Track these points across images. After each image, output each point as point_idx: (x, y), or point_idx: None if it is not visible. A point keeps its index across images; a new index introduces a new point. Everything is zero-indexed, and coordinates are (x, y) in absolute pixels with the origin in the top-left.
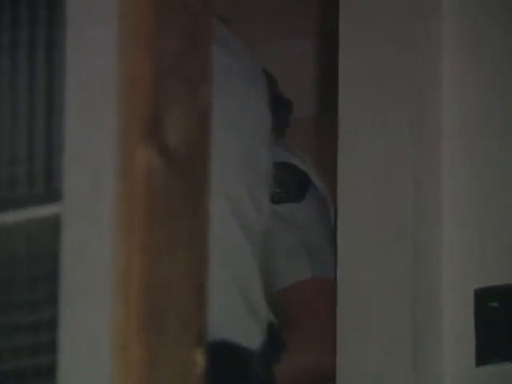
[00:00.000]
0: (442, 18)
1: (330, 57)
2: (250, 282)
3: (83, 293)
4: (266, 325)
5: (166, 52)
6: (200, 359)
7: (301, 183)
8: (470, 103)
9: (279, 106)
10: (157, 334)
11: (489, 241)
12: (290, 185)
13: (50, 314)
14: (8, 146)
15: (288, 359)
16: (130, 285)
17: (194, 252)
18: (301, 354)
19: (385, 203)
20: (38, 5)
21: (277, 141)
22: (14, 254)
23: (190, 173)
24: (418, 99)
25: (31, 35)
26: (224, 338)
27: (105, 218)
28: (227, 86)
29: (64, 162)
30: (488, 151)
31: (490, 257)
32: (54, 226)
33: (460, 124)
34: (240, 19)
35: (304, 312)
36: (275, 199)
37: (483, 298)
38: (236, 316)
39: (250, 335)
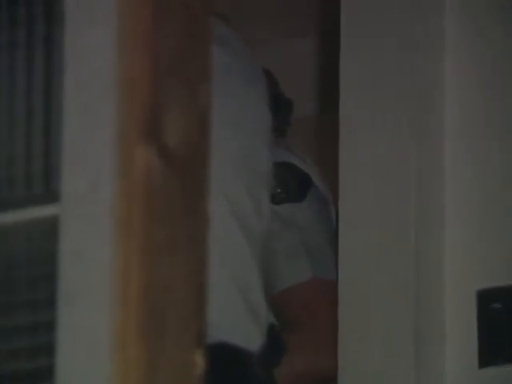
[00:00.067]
0: (444, 18)
1: (331, 56)
2: (249, 283)
3: (82, 294)
4: (266, 326)
5: (165, 52)
6: (200, 361)
7: (301, 183)
8: (472, 103)
9: (279, 106)
10: (156, 335)
11: (491, 241)
12: (290, 185)
13: (48, 315)
14: (6, 147)
15: (288, 361)
16: (129, 286)
17: (194, 252)
18: (301, 355)
19: (386, 203)
20: (36, 4)
21: (277, 141)
22: (12, 254)
23: (189, 173)
24: (420, 99)
25: (29, 35)
26: (224, 340)
27: (103, 218)
28: (227, 86)
29: (62, 163)
30: (490, 151)
31: (492, 257)
32: (52, 227)
33: (461, 124)
34: (240, 19)
35: (304, 313)
36: (275, 199)
37: (486, 299)
38: (236, 317)
39: (249, 337)
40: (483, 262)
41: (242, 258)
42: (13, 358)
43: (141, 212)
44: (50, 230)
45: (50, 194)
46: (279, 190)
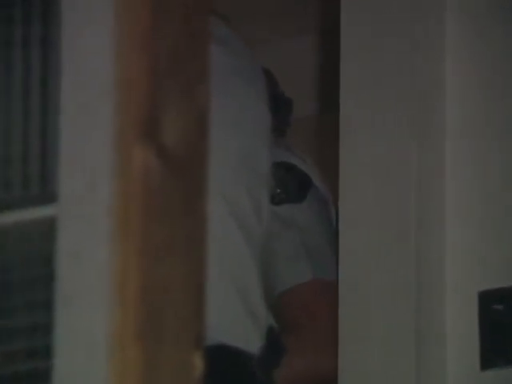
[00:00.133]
0: (444, 18)
1: (331, 55)
2: (249, 284)
3: (79, 295)
4: (265, 328)
5: (163, 52)
6: (198, 363)
7: (301, 184)
8: (472, 103)
9: (279, 106)
10: (154, 336)
11: (492, 242)
12: (290, 185)
13: (46, 316)
14: (3, 148)
15: (288, 363)
16: (127, 287)
17: (192, 253)
18: (300, 357)
19: (386, 203)
20: (33, 4)
21: (277, 141)
22: (9, 255)
23: (187, 174)
24: (420, 99)
25: (26, 35)
26: (223, 341)
27: (101, 219)
28: (226, 86)
29: (60, 163)
30: (490, 151)
31: (493, 258)
32: (50, 228)
33: (462, 124)
34: (240, 19)
35: (303, 315)
36: (275, 200)
37: (487, 300)
38: (235, 319)
39: (249, 338)
40: (484, 262)
41: (241, 259)
42: (10, 360)
43: (139, 212)
44: (47, 230)
45: (48, 195)
46: (279, 191)
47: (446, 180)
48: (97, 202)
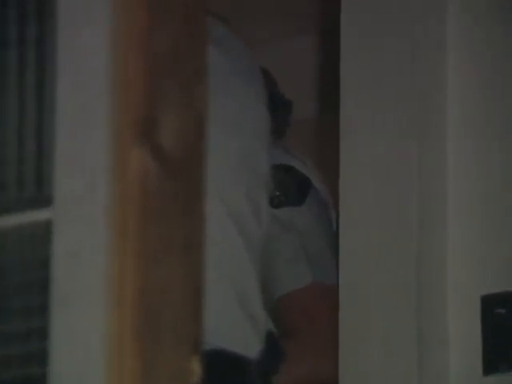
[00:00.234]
0: (445, 18)
1: (331, 55)
2: (247, 288)
3: (76, 298)
4: (264, 333)
5: (161, 53)
6: (196, 367)
7: (301, 186)
8: (473, 103)
9: (277, 106)
10: (151, 341)
11: (494, 242)
12: (289, 188)
13: (42, 320)
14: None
15: (287, 368)
16: (124, 289)
17: (190, 256)
18: (300, 362)
19: (387, 204)
20: (29, 4)
21: (275, 142)
22: (4, 259)
23: (185, 175)
24: (422, 99)
25: (22, 35)
26: (221, 346)
27: (98, 221)
28: (224, 86)
29: (56, 165)
30: (491, 151)
31: (495, 259)
32: (46, 231)
33: (463, 124)
34: (240, 19)
35: (303, 319)
36: (275, 203)
37: (490, 304)
38: (233, 323)
39: (247, 343)
40: (486, 263)
41: (240, 262)
42: (7, 365)
43: (136, 214)
44: (43, 233)
45: (44, 198)
46: (278, 193)
47: (447, 180)
48: (94, 203)
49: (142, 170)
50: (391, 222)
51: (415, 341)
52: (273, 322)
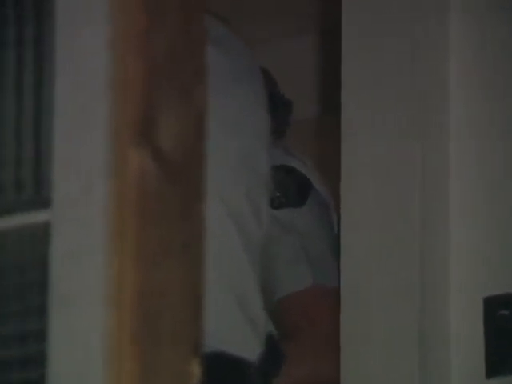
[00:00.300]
0: (447, 18)
1: (331, 55)
2: (247, 290)
3: (74, 301)
4: (264, 335)
5: (159, 53)
6: (196, 370)
7: (301, 187)
8: (476, 103)
9: (278, 107)
10: (151, 343)
11: (497, 243)
12: (290, 189)
13: (40, 322)
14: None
15: (287, 370)
16: (123, 292)
17: (189, 258)
18: (300, 365)
19: (389, 205)
20: (28, 4)
21: (276, 143)
22: (2, 261)
23: (184, 176)
24: (424, 100)
25: (20, 35)
26: (221, 349)
27: (96, 223)
28: (223, 87)
29: (54, 167)
30: (495, 151)
31: (499, 259)
32: (44, 233)
33: (466, 124)
34: (240, 19)
35: (303, 321)
36: (275, 204)
37: (493, 305)
38: (233, 325)
39: (247, 346)
40: (490, 263)
41: (239, 264)
42: (5, 367)
43: (135, 216)
44: (42, 235)
45: (42, 200)
46: (278, 194)
47: (450, 180)
48: (92, 204)
49: (140, 170)
50: (393, 223)
51: (417, 343)
52: (273, 323)
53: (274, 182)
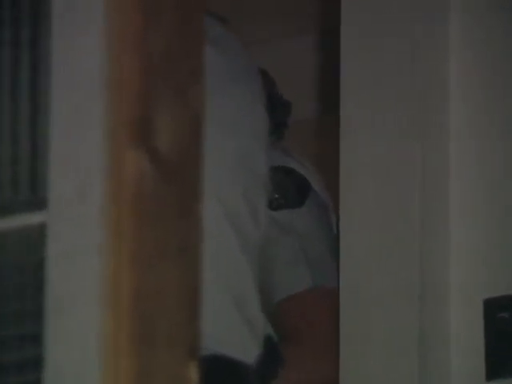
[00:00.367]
0: (447, 18)
1: (331, 55)
2: (245, 292)
3: (71, 302)
4: (262, 338)
5: (156, 53)
6: (193, 374)
7: (300, 188)
8: (476, 103)
9: (275, 107)
10: (147, 345)
11: (498, 243)
12: (288, 190)
13: (36, 324)
14: None
15: (285, 373)
16: (120, 293)
17: (186, 259)
18: (299, 367)
19: (389, 205)
20: (23, 4)
21: (274, 143)
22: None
23: (181, 177)
24: (424, 100)
25: (16, 35)
26: (218, 352)
27: (93, 223)
28: (221, 87)
29: (50, 167)
30: (495, 151)
31: (499, 259)
32: (40, 233)
33: (466, 124)
34: (240, 19)
35: (302, 323)
36: (273, 205)
37: (493, 308)
38: (231, 328)
39: (245, 348)
40: (490, 263)
41: (237, 264)
42: (2, 369)
43: (131, 216)
44: (38, 236)
45: (38, 201)
46: (277, 196)
47: (450, 181)
48: (88, 205)
49: (136, 171)
50: (393, 223)
51: (417, 344)
52: (272, 325)
53: (272, 183)
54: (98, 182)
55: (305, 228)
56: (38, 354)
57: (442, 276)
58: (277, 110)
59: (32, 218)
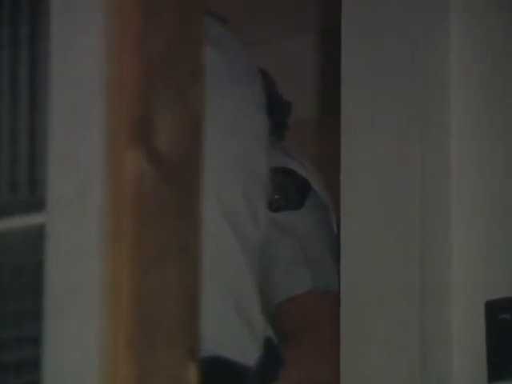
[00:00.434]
0: (447, 18)
1: (331, 55)
2: (244, 293)
3: (70, 303)
4: (262, 339)
5: (156, 53)
6: (192, 375)
7: (300, 189)
8: (477, 103)
9: (276, 107)
10: (147, 346)
11: (498, 243)
12: (288, 191)
13: (35, 325)
14: None
15: (286, 374)
16: (119, 294)
17: (186, 260)
18: (299, 368)
19: (390, 205)
20: (22, 3)
21: (274, 144)
22: None
23: (181, 177)
24: (424, 99)
25: (15, 35)
26: (218, 353)
27: (92, 224)
28: (220, 87)
29: (49, 168)
30: (495, 151)
31: (500, 261)
32: (39, 234)
33: (466, 124)
34: (240, 19)
35: (303, 325)
36: (273, 207)
37: (494, 309)
38: (230, 329)
39: (245, 350)
40: (491, 266)
41: (236, 265)
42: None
43: (131, 217)
44: (37, 237)
45: (37, 201)
46: (277, 197)
47: (450, 181)
48: (88, 206)
49: (136, 171)
50: (393, 223)
51: (418, 345)
52: (272, 327)
53: (272, 184)
54: (97, 182)
55: (305, 229)
56: (38, 354)
57: (442, 276)
58: (277, 110)
59: (31, 219)
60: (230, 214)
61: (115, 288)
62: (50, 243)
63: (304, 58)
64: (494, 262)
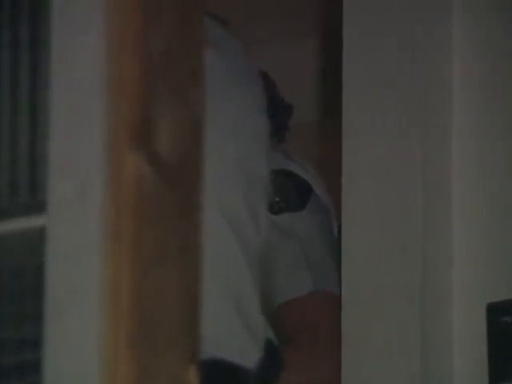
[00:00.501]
0: (446, 18)
1: (332, 57)
2: (245, 295)
3: (70, 304)
4: (263, 341)
5: (156, 54)
6: (193, 378)
7: (301, 192)
8: (478, 103)
9: (277, 110)
10: (147, 347)
11: (499, 243)
12: (289, 194)
13: (35, 327)
14: None
15: (286, 376)
16: (119, 295)
17: (186, 261)
18: (300, 371)
19: (391, 206)
20: (23, 5)
21: (275, 146)
22: None
23: (180, 179)
24: (426, 100)
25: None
26: (218, 356)
27: (92, 225)
28: (221, 89)
29: (49, 170)
30: (496, 151)
31: (502, 262)
32: (40, 237)
33: (467, 124)
34: (240, 20)
35: (303, 327)
36: (274, 209)
37: (496, 312)
38: (231, 331)
39: (245, 352)
40: (492, 267)
41: (237, 267)
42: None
43: (131, 218)
44: (38, 239)
45: (38, 204)
46: (278, 199)
47: (451, 181)
48: (88, 207)
49: (136, 172)
50: (394, 224)
51: (419, 347)
52: (273, 329)
53: (273, 187)
54: (97, 183)
55: (306, 232)
56: (38, 356)
57: (444, 277)
58: (278, 112)
59: (31, 222)
60: (230, 216)
61: (115, 288)
62: (50, 245)
63: (305, 60)
64: (494, 262)
